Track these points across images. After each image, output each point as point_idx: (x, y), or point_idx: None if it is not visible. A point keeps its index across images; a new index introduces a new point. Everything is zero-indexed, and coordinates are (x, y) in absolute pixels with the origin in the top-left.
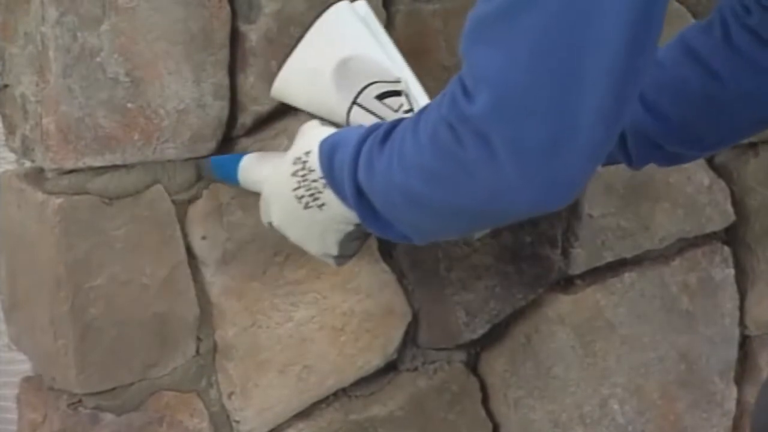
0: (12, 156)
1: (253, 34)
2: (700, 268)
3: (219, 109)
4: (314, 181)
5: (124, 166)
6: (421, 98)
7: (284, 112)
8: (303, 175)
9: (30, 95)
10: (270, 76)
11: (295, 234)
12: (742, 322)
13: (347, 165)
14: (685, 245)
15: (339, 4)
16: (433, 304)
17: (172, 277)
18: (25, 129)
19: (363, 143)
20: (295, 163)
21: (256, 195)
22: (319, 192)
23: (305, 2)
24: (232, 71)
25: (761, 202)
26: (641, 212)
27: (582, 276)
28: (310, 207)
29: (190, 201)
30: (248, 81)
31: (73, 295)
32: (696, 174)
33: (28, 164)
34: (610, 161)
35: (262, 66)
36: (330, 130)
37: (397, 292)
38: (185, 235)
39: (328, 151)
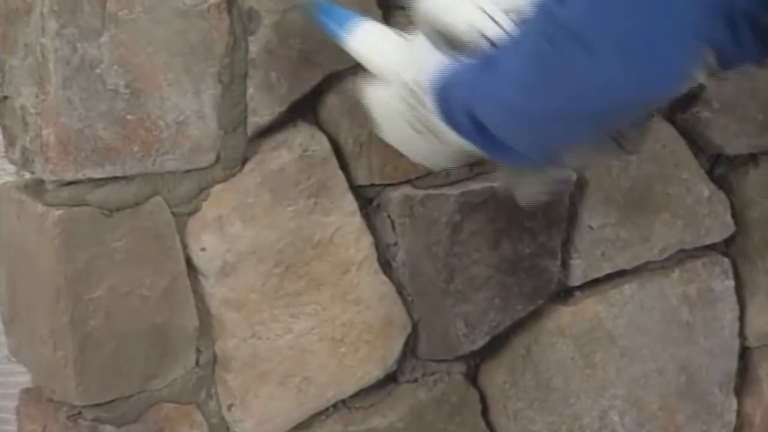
0: (12, 167)
1: (252, 45)
2: (700, 280)
3: (219, 120)
4: (426, 113)
5: (124, 177)
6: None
7: (284, 123)
8: (414, 107)
9: (30, 107)
10: (269, 87)
11: (406, 149)
12: (741, 334)
13: (459, 98)
14: (684, 256)
15: None
16: (432, 315)
17: (172, 289)
18: (25, 140)
19: (470, 74)
20: (406, 91)
21: (256, 207)
22: (432, 124)
23: (305, 14)
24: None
25: (761, 213)
26: (641, 223)
27: (581, 287)
28: (422, 133)
29: (190, 213)
30: (248, 92)
31: (72, 306)
32: (696, 185)
33: (28, 176)
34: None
35: (261, 77)
36: (439, 58)
37: (397, 304)
38: (185, 247)
39: (440, 87)
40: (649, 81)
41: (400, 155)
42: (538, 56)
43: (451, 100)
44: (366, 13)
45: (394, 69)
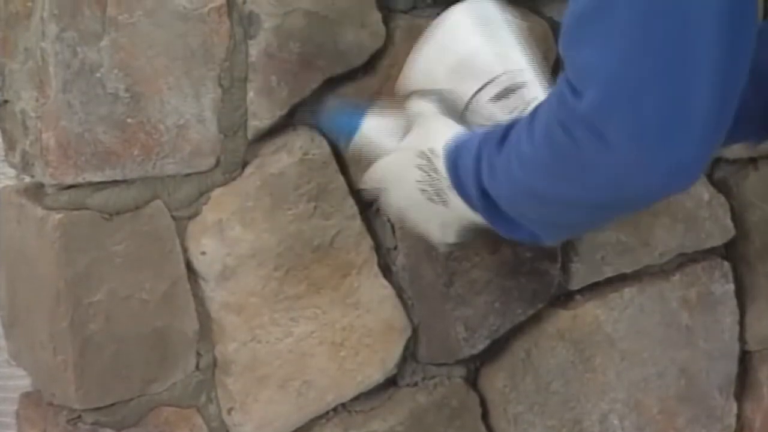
0: (12, 171)
1: (252, 49)
2: (700, 283)
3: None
4: (440, 181)
5: (124, 181)
6: (537, 87)
7: (284, 127)
8: (428, 173)
9: (30, 111)
10: (269, 91)
11: (414, 218)
12: (741, 338)
13: (471, 170)
14: (684, 260)
15: (455, 6)
16: (432, 319)
17: (172, 293)
18: (25, 144)
19: (482, 147)
20: (420, 157)
21: (256, 211)
22: (444, 192)
23: (304, 18)
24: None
25: (761, 217)
26: (641, 227)
27: (581, 291)
28: (433, 201)
29: (190, 216)
30: (248, 96)
31: (72, 310)
32: (695, 189)
33: (27, 179)
34: (731, 141)
35: (261, 81)
36: (450, 125)
37: (397, 307)
38: (185, 251)
39: (453, 157)
40: (660, 174)
41: None
42: (552, 142)
43: (462, 170)
44: (366, 16)
45: (409, 144)
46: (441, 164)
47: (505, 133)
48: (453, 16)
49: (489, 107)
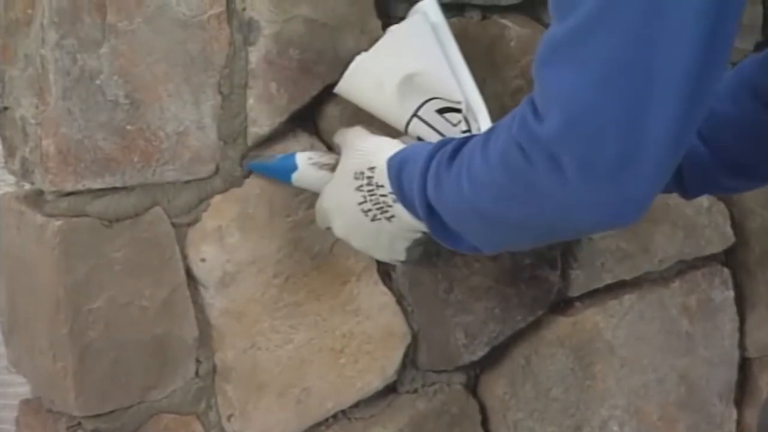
0: (11, 178)
1: (252, 56)
2: (700, 290)
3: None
4: (383, 196)
5: (124, 188)
6: (482, 116)
7: (284, 134)
8: (369, 191)
9: (30, 117)
10: (269, 98)
11: (361, 243)
12: (741, 344)
13: (416, 181)
14: (684, 267)
15: (414, 16)
16: (432, 325)
17: (172, 299)
18: (25, 151)
19: (431, 160)
20: (357, 178)
21: (255, 218)
22: (389, 206)
23: (304, 25)
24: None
25: (761, 224)
26: (640, 234)
27: (581, 298)
28: (378, 219)
29: (190, 223)
30: (248, 103)
31: (72, 317)
32: None
33: (27, 186)
34: (665, 190)
35: (261, 88)
36: (388, 142)
37: (397, 314)
38: (185, 257)
39: (397, 168)
40: (607, 207)
41: None
42: (508, 163)
43: (406, 181)
44: (365, 23)
45: (343, 169)
46: (384, 178)
47: (456, 148)
48: (411, 24)
49: (435, 117)
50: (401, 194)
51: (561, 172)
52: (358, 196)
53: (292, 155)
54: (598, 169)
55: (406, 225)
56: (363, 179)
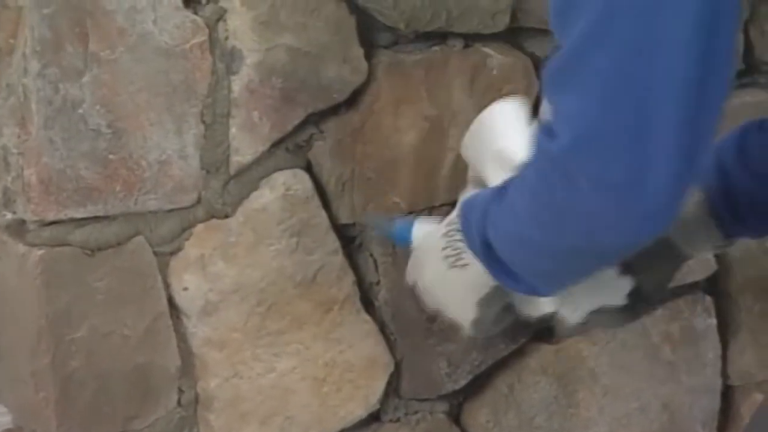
0: None
1: (235, 84)
2: (682, 318)
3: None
4: (459, 240)
5: (106, 217)
6: None
7: (266, 161)
8: (451, 236)
9: (12, 147)
10: (252, 127)
11: (438, 295)
12: (724, 372)
13: (476, 221)
14: (667, 295)
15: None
16: (415, 354)
17: (154, 329)
18: (7, 180)
19: (490, 201)
20: (447, 225)
21: (238, 247)
22: (463, 252)
23: (287, 53)
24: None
25: (743, 252)
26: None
27: None
28: (455, 267)
29: (172, 252)
30: (230, 132)
31: (54, 347)
32: None
33: (9, 216)
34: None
35: (244, 117)
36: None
37: (380, 343)
38: (167, 286)
39: (466, 210)
40: (630, 228)
41: (383, 193)
42: (531, 190)
43: (471, 224)
44: (348, 52)
45: (437, 226)
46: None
47: (506, 184)
48: (491, 113)
49: None
50: (467, 236)
51: (578, 191)
52: (443, 242)
53: (410, 222)
54: (610, 186)
55: (477, 274)
56: (450, 226)
